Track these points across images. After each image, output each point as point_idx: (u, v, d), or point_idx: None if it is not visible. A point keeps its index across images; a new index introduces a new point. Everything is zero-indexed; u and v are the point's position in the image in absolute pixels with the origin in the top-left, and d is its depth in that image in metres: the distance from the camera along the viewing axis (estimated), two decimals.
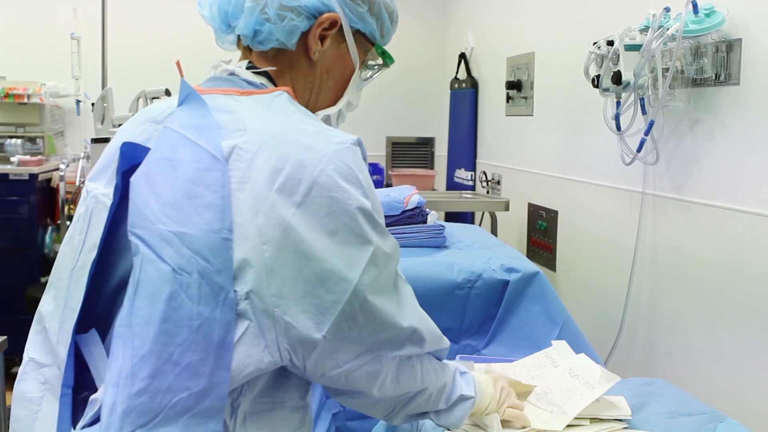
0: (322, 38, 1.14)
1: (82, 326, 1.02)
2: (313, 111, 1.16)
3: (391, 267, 1.05)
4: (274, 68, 1.14)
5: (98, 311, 1.02)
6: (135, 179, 0.98)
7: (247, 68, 1.14)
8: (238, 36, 1.16)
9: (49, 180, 4.39)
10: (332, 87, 1.19)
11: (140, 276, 0.93)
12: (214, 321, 0.92)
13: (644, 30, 2.26)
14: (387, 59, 1.22)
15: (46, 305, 1.10)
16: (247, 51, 1.17)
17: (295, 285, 0.95)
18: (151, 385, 0.90)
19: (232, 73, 1.13)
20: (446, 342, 1.18)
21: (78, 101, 4.50)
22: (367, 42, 1.19)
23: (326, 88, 1.18)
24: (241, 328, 0.94)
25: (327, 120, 1.18)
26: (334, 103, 1.20)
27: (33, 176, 4.13)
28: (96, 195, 1.08)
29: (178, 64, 1.19)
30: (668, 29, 2.11)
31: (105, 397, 0.91)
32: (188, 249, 0.93)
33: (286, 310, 0.95)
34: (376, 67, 1.24)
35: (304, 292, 0.95)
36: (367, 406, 1.15)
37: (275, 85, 1.13)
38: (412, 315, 1.07)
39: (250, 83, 1.11)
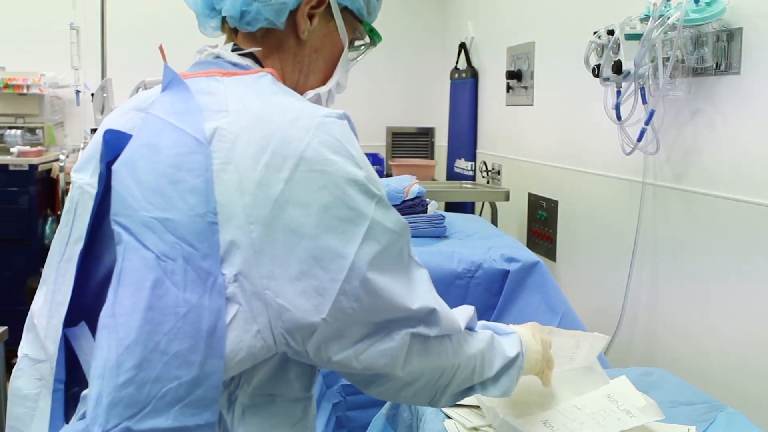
0: (311, 16, 1.12)
1: (71, 319, 0.99)
2: (303, 92, 1.14)
3: (398, 244, 0.99)
4: (260, 49, 1.12)
5: (87, 303, 1.00)
6: (117, 167, 0.96)
7: (233, 50, 1.11)
8: (223, 19, 1.13)
9: (48, 171, 4.39)
10: (321, 67, 1.17)
11: (123, 265, 0.90)
12: (203, 308, 0.89)
13: (645, 19, 2.25)
14: (375, 37, 1.20)
15: (38, 302, 1.08)
16: (232, 34, 1.15)
17: (287, 265, 0.91)
18: (138, 376, 0.87)
19: (217, 57, 1.11)
20: (461, 327, 1.12)
21: (78, 91, 4.50)
22: (355, 19, 1.17)
23: (315, 68, 1.16)
24: (231, 312, 0.90)
25: (317, 100, 1.16)
26: (323, 83, 1.18)
27: (33, 167, 4.13)
28: (81, 185, 1.06)
29: (161, 48, 1.17)
30: (669, 18, 2.10)
31: (90, 390, 0.88)
32: (172, 235, 0.90)
33: (278, 292, 0.91)
34: (363, 46, 1.22)
35: (299, 272, 0.91)
36: (406, 395, 1.08)
37: (262, 67, 1.10)
38: (426, 296, 1.01)
39: (235, 65, 1.08)
